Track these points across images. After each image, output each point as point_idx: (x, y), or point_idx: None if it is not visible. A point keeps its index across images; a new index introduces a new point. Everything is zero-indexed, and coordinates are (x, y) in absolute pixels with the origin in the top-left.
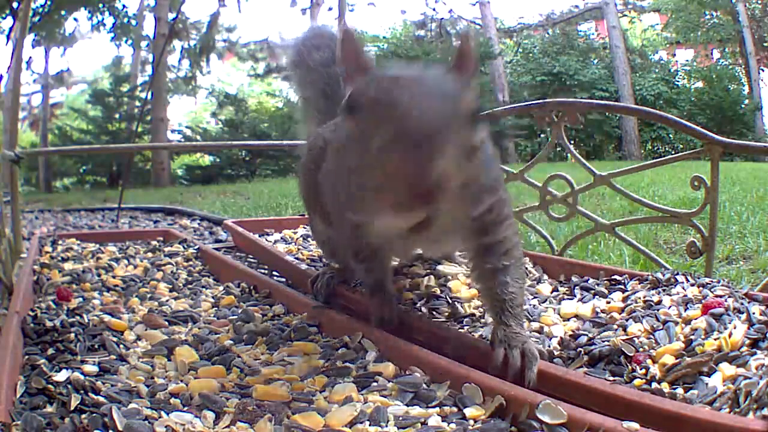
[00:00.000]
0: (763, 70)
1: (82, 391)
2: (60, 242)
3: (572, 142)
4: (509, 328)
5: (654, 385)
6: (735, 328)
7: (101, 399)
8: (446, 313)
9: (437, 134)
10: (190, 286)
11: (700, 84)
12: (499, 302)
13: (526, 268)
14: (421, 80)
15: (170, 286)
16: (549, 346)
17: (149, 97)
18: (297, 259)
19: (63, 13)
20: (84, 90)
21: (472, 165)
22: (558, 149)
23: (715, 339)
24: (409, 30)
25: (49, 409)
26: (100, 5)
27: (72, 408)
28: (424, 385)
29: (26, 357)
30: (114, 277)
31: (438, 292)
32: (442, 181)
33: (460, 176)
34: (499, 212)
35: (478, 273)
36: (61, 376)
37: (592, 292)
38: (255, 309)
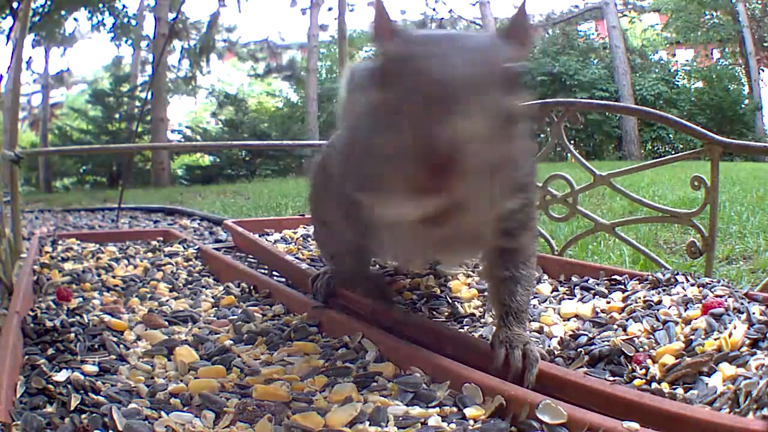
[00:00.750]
0: (763, 70)
1: (82, 391)
2: (60, 242)
3: (572, 142)
4: (511, 330)
5: (654, 385)
6: (735, 328)
7: (101, 399)
8: (446, 313)
9: (462, 90)
10: (190, 286)
11: (700, 84)
12: (504, 307)
13: None
14: (449, 36)
15: (170, 286)
16: (549, 346)
17: (149, 97)
18: (297, 259)
19: (63, 13)
20: (84, 90)
21: (508, 141)
22: (558, 149)
23: (715, 339)
24: None
25: (49, 409)
26: (100, 5)
27: (72, 408)
28: (424, 385)
29: (26, 357)
30: (114, 277)
31: (438, 292)
32: (466, 152)
33: (492, 151)
34: (527, 215)
35: (488, 275)
36: (61, 376)
37: (592, 292)
38: (255, 309)
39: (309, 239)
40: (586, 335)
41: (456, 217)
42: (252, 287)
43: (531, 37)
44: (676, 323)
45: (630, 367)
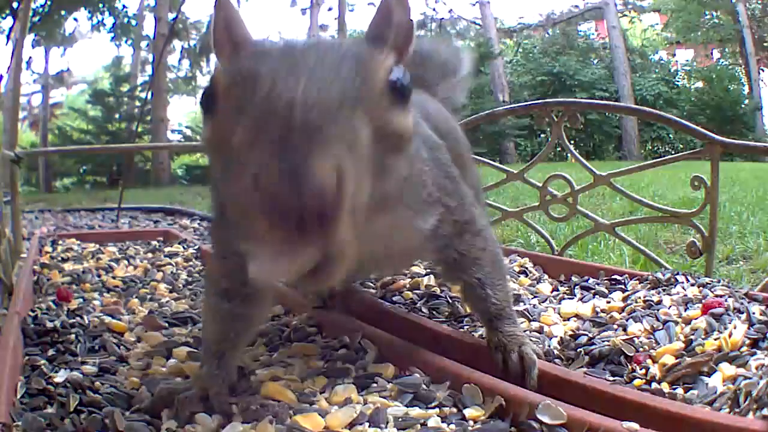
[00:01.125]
0: (763, 70)
1: (81, 392)
2: (60, 242)
3: (572, 142)
4: (502, 331)
5: (654, 385)
6: (735, 328)
7: (101, 400)
8: (446, 313)
9: (322, 119)
10: (190, 286)
11: (700, 84)
12: (484, 314)
13: (526, 268)
14: (299, 48)
15: (170, 287)
16: (549, 346)
17: (149, 97)
18: None
19: (63, 13)
20: (84, 90)
21: (399, 165)
22: (558, 149)
23: (715, 339)
24: None
25: (49, 409)
26: (100, 5)
27: (72, 409)
28: (424, 386)
29: (26, 357)
30: (114, 277)
31: (438, 292)
32: (337, 195)
33: (373, 184)
34: (455, 222)
35: (451, 285)
36: (61, 376)
37: (592, 291)
38: None
39: None
40: (586, 335)
41: (338, 267)
42: None
43: (412, 37)
44: (676, 323)
45: (630, 367)
